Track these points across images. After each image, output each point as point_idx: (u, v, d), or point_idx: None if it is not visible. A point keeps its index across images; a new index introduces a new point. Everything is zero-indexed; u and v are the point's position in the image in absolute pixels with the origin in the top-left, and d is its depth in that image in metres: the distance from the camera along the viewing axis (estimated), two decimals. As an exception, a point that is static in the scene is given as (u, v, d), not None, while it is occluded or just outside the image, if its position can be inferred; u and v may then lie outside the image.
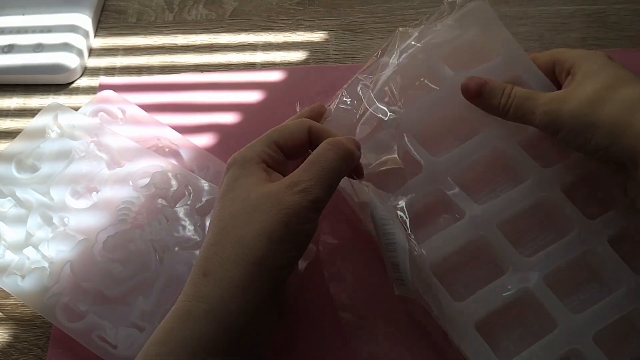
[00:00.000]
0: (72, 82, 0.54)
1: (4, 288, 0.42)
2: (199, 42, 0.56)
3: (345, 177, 0.38)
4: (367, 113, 0.41)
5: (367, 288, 0.43)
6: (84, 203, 0.46)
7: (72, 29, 0.55)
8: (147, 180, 0.45)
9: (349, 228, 0.44)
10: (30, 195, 0.45)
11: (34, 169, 0.46)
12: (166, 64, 0.55)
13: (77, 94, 0.54)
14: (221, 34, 0.56)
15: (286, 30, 0.56)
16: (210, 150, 0.49)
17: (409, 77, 0.42)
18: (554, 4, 0.56)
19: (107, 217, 0.44)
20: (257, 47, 0.55)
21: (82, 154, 0.47)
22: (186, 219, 0.44)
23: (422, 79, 0.43)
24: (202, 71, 0.54)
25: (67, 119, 0.48)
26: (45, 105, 0.49)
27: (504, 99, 0.39)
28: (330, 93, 0.45)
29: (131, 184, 0.45)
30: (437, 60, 0.43)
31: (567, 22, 0.54)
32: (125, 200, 0.44)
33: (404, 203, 0.39)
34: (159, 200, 0.45)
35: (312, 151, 0.36)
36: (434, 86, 0.43)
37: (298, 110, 0.45)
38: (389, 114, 0.41)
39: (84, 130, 0.48)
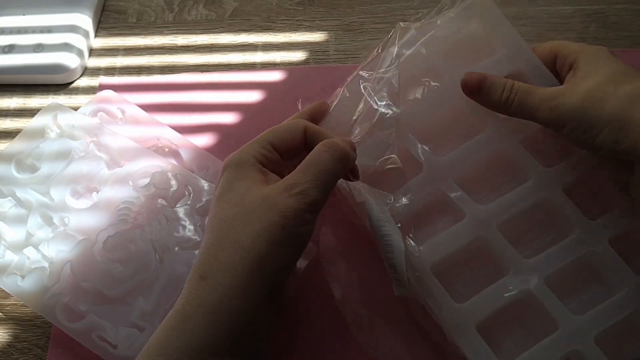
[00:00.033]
0: (72, 82, 0.54)
1: (4, 288, 0.42)
2: (199, 42, 0.56)
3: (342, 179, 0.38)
4: (367, 110, 0.40)
5: (367, 288, 0.43)
6: (84, 203, 0.46)
7: (72, 29, 0.55)
8: (147, 180, 0.45)
9: (349, 228, 0.44)
10: (30, 195, 0.45)
11: (33, 169, 0.46)
12: (166, 64, 0.55)
13: (77, 94, 0.54)
14: (221, 34, 0.56)
15: (286, 31, 0.56)
16: (210, 150, 0.49)
17: (409, 74, 0.42)
18: (554, 4, 0.56)
19: (107, 217, 0.44)
20: (257, 47, 0.55)
21: (82, 154, 0.47)
22: (186, 219, 0.44)
23: (423, 75, 0.42)
24: (202, 71, 0.54)
25: (66, 119, 0.48)
26: (45, 105, 0.49)
27: (505, 94, 0.39)
28: (330, 93, 0.45)
29: (131, 184, 0.45)
30: (438, 56, 0.42)
31: (567, 22, 0.54)
32: (125, 200, 0.44)
33: (403, 204, 0.39)
34: (159, 200, 0.45)
35: (307, 152, 0.36)
36: (435, 83, 0.42)
37: (300, 107, 0.45)
38: (389, 111, 0.40)
39: (84, 130, 0.48)
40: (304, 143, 0.38)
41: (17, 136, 0.48)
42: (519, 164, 0.41)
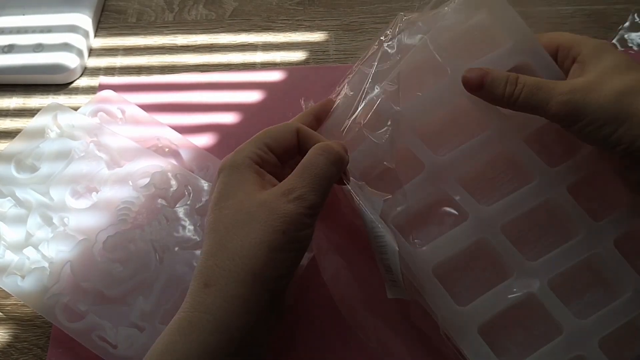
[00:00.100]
0: (72, 82, 0.54)
1: (4, 288, 0.42)
2: (199, 42, 0.56)
3: None
4: (366, 108, 0.39)
5: (366, 288, 0.43)
6: (83, 203, 0.46)
7: (72, 29, 0.55)
8: (146, 180, 0.45)
9: (349, 228, 0.44)
10: (29, 195, 0.45)
11: (33, 169, 0.46)
12: (166, 64, 0.55)
13: (76, 94, 0.54)
14: (221, 34, 0.56)
15: (286, 31, 0.56)
16: (210, 150, 0.49)
17: (411, 68, 0.40)
18: (554, 4, 0.56)
19: (107, 217, 0.44)
20: (257, 47, 0.55)
21: (82, 154, 0.47)
22: (186, 219, 0.44)
23: (425, 70, 0.41)
24: (202, 71, 0.54)
25: (66, 119, 0.48)
26: (45, 105, 0.49)
27: (509, 88, 0.37)
28: (331, 93, 0.44)
29: (131, 184, 0.45)
30: (442, 50, 0.40)
31: (567, 22, 0.54)
32: (125, 200, 0.44)
33: (401, 205, 0.39)
34: (159, 200, 0.45)
35: (300, 154, 0.36)
36: (437, 79, 0.40)
37: (303, 106, 0.45)
38: (388, 109, 0.39)
39: (84, 130, 0.48)
40: (298, 145, 0.38)
41: (17, 136, 0.48)
42: (522, 163, 0.40)
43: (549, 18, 0.55)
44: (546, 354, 0.36)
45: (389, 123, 0.39)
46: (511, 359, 0.37)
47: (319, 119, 0.42)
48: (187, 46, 0.56)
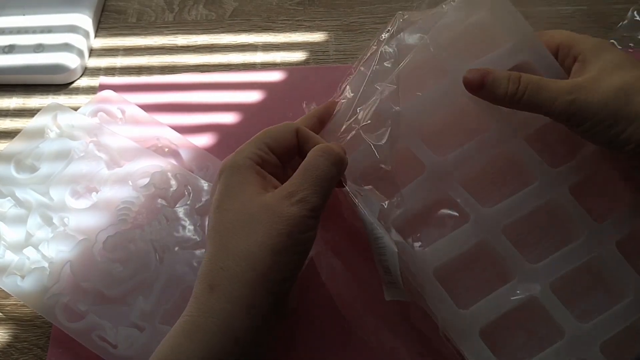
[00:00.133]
0: (72, 82, 0.54)
1: (4, 288, 0.42)
2: (199, 43, 0.56)
3: None
4: (366, 108, 0.39)
5: (366, 288, 0.43)
6: (83, 203, 0.46)
7: (72, 29, 0.55)
8: (146, 180, 0.45)
9: (349, 228, 0.44)
10: (29, 195, 0.45)
11: (33, 169, 0.46)
12: (166, 64, 0.55)
13: (77, 94, 0.54)
14: (221, 34, 0.56)
15: (286, 31, 0.56)
16: (210, 150, 0.49)
17: (411, 68, 0.40)
18: (554, 4, 0.56)
19: (107, 217, 0.44)
20: (257, 48, 0.55)
21: (82, 154, 0.47)
22: (186, 219, 0.44)
23: (425, 70, 0.40)
24: (202, 71, 0.54)
25: (66, 119, 0.48)
26: (45, 105, 0.49)
27: (512, 86, 0.37)
28: (330, 93, 0.44)
29: (131, 184, 0.45)
30: (442, 49, 0.40)
31: (567, 22, 0.54)
32: (125, 200, 0.44)
33: (401, 207, 0.38)
34: (159, 200, 0.45)
35: (299, 156, 0.36)
36: (438, 79, 0.40)
37: (305, 109, 0.45)
38: (387, 109, 0.39)
39: (84, 130, 0.48)
40: (297, 146, 0.38)
41: (17, 136, 0.48)
42: (524, 163, 0.40)
43: (549, 18, 0.55)
44: (548, 357, 0.36)
45: (388, 123, 0.39)
46: None
47: (322, 121, 0.42)
48: (187, 46, 0.56)
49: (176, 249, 0.43)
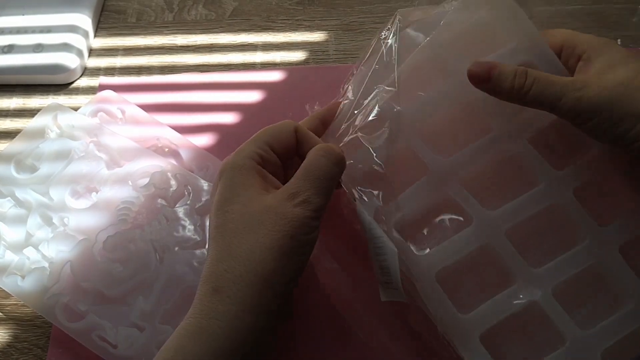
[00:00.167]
0: (72, 82, 0.54)
1: (4, 288, 0.42)
2: (198, 42, 0.56)
3: None
4: (366, 109, 0.39)
5: (366, 288, 0.43)
6: (83, 203, 0.46)
7: (72, 29, 0.55)
8: (146, 180, 0.45)
9: (349, 229, 0.44)
10: (29, 195, 0.45)
11: (33, 169, 0.46)
12: (166, 64, 0.55)
13: (76, 94, 0.54)
14: (221, 34, 0.56)
15: (286, 30, 0.56)
16: (210, 150, 0.49)
17: (412, 68, 0.39)
18: (553, 3, 0.55)
19: (107, 217, 0.44)
20: (257, 47, 0.55)
21: (82, 154, 0.47)
22: (186, 219, 0.44)
23: (427, 70, 0.40)
24: (202, 71, 0.54)
25: (66, 119, 0.48)
26: (45, 105, 0.49)
27: (518, 80, 0.36)
28: (330, 93, 0.44)
29: (131, 184, 0.45)
30: (444, 49, 0.40)
31: (567, 22, 0.54)
32: (125, 200, 0.44)
33: (402, 209, 0.38)
34: (159, 200, 0.45)
35: (298, 156, 0.36)
36: (440, 79, 0.40)
37: (309, 111, 0.44)
38: (388, 109, 0.38)
39: (84, 131, 0.48)
40: (297, 145, 0.38)
41: (17, 136, 0.48)
42: (527, 165, 0.39)
43: (549, 17, 0.55)
44: None
45: (387, 124, 0.39)
46: None
47: (325, 123, 0.41)
48: (187, 46, 0.56)
49: (176, 249, 0.43)
